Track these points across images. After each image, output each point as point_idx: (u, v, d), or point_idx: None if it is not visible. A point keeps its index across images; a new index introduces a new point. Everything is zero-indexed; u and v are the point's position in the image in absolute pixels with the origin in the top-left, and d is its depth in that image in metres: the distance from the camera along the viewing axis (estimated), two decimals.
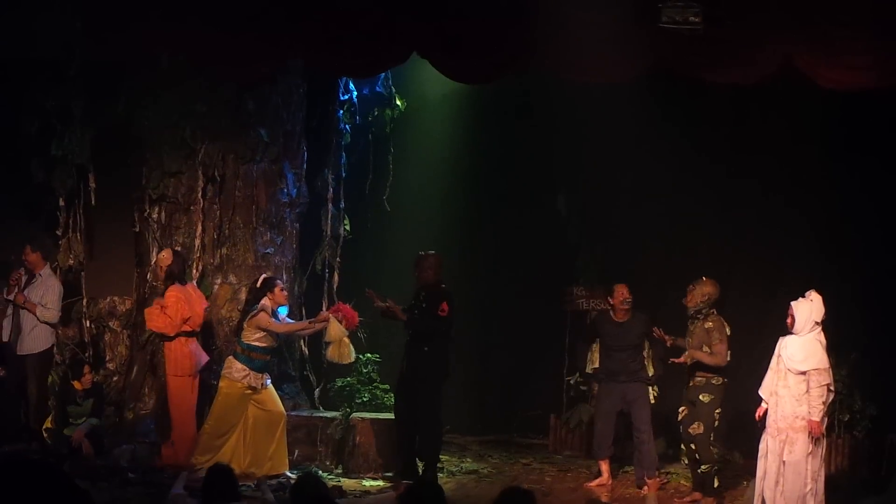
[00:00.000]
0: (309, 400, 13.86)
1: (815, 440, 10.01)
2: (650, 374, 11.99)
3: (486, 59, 11.12)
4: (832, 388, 10.20)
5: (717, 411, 11.14)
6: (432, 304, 11.62)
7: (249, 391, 11.28)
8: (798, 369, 10.04)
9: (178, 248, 12.55)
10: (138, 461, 11.87)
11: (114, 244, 13.37)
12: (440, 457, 12.80)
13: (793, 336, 10.17)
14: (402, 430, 11.84)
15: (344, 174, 14.46)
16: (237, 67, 11.74)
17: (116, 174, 13.23)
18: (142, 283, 13.03)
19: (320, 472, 11.83)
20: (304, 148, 13.86)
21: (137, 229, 13.14)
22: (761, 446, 10.30)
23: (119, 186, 13.25)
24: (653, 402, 11.77)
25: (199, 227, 13.00)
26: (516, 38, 10.76)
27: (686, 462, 11.66)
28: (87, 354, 13.12)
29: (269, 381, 11.46)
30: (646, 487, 11.73)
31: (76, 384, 12.24)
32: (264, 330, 11.13)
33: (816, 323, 10.11)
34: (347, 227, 14.37)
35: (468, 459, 13.30)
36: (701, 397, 11.11)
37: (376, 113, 14.46)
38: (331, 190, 14.27)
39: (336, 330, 11.40)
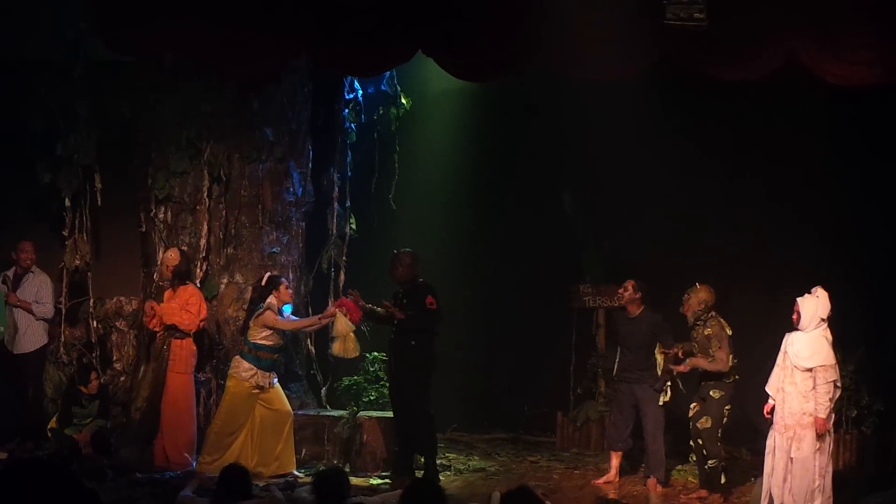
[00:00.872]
0: (316, 399, 13.87)
1: (822, 436, 10.00)
2: (658, 378, 11.87)
3: (490, 56, 11.11)
4: (839, 384, 10.18)
5: (726, 407, 11.17)
6: (414, 299, 11.63)
7: (257, 390, 11.31)
8: (804, 366, 10.02)
9: (184, 248, 12.59)
10: (145, 461, 11.87)
11: (120, 244, 13.41)
12: (447, 454, 12.85)
13: (799, 332, 10.15)
14: (401, 428, 11.87)
15: (349, 173, 14.46)
16: (242, 67, 11.74)
17: (122, 174, 13.26)
18: (148, 283, 13.04)
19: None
20: (310, 147, 13.87)
21: (143, 229, 13.15)
22: (769, 443, 10.28)
23: (125, 186, 13.29)
24: (661, 404, 11.73)
25: (205, 227, 13.00)
26: (521, 36, 10.75)
27: (694, 459, 11.64)
28: (93, 355, 13.14)
29: (275, 380, 11.49)
30: (647, 486, 11.74)
31: (83, 389, 12.28)
32: (271, 328, 11.17)
33: (822, 319, 10.09)
34: (353, 226, 14.37)
35: (475, 457, 13.29)
36: (711, 393, 11.15)
37: (381, 111, 14.47)
38: (336, 189, 14.26)
39: (343, 324, 11.45)
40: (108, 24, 11.49)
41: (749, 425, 12.85)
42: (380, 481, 11.69)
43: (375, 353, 12.96)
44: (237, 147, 13.11)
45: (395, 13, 10.84)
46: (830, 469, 10.17)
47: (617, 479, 11.99)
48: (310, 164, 13.88)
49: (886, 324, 12.92)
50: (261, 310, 11.23)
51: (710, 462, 11.20)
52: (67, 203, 13.10)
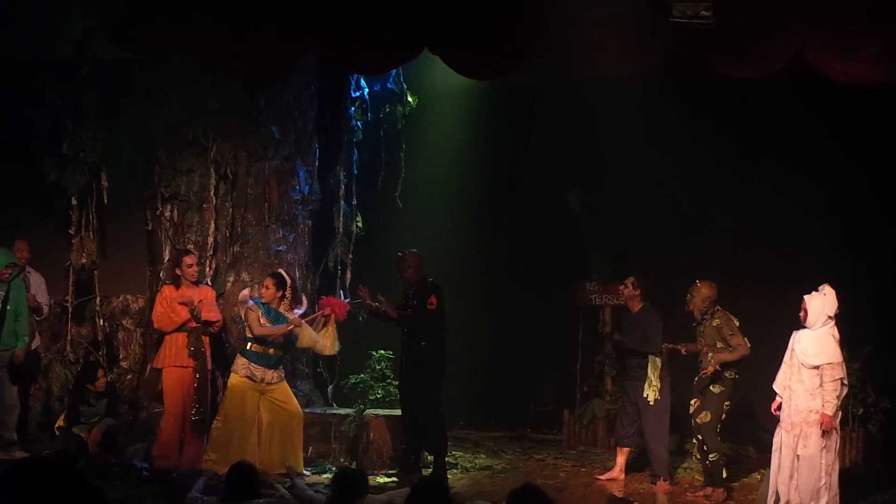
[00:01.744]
0: (322, 397, 13.89)
1: (828, 434, 10.00)
2: (647, 386, 11.83)
3: (497, 54, 11.10)
4: (845, 382, 10.19)
5: (725, 403, 11.20)
6: (422, 300, 11.68)
7: (256, 384, 11.36)
8: (811, 363, 10.03)
9: (190, 246, 12.62)
10: (152, 459, 11.88)
11: (126, 242, 13.42)
12: (454, 453, 12.85)
13: (806, 330, 10.16)
14: (408, 426, 11.89)
15: (356, 171, 14.47)
16: (249, 65, 11.74)
17: (128, 172, 13.27)
18: (154, 282, 13.03)
19: (334, 468, 11.84)
20: (316, 145, 13.87)
21: (150, 227, 13.15)
22: (775, 440, 10.29)
23: (131, 185, 13.30)
24: (651, 403, 11.71)
25: (212, 225, 13.00)
26: (527, 34, 10.74)
27: (698, 457, 11.65)
28: (100, 353, 13.15)
29: (275, 378, 11.51)
30: (655, 486, 11.75)
31: (91, 387, 12.29)
32: (248, 325, 11.37)
33: (829, 317, 10.10)
34: (360, 224, 14.38)
35: (482, 455, 13.30)
36: (711, 388, 11.16)
37: (388, 109, 14.48)
38: (343, 187, 14.28)
39: (307, 338, 11.60)
40: (114, 21, 11.49)
41: (756, 422, 12.87)
42: (386, 479, 11.71)
43: (382, 352, 12.96)
44: (244, 145, 13.11)
45: (402, 11, 10.84)
46: (837, 466, 10.18)
47: (623, 476, 12.00)
48: (316, 163, 13.89)
49: (893, 322, 12.91)
50: (246, 305, 11.43)
51: (711, 456, 11.22)
52: (74, 201, 13.12)
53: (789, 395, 10.19)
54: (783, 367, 10.31)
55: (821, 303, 10.10)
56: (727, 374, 11.16)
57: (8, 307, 12.08)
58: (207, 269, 12.91)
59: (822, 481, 10.03)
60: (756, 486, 11.29)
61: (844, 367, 10.16)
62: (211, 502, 8.26)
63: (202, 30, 11.11)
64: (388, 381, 12.84)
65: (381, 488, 10.97)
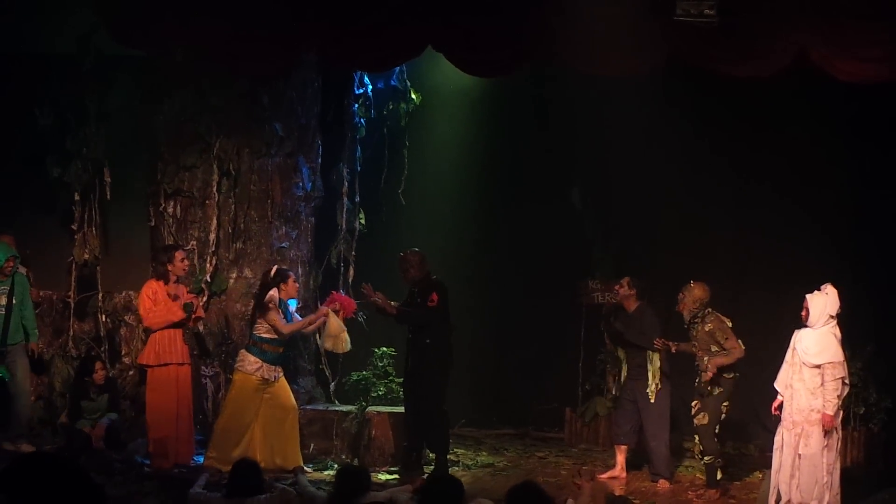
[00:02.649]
0: (324, 394, 13.88)
1: (829, 433, 10.00)
2: (651, 382, 11.82)
3: (500, 52, 11.10)
4: (847, 381, 10.18)
5: (724, 404, 11.20)
6: (425, 297, 11.69)
7: (263, 384, 11.34)
8: (812, 363, 10.03)
9: (193, 243, 12.62)
10: (150, 458, 11.87)
11: (129, 239, 13.43)
12: (456, 450, 12.85)
13: (807, 329, 10.16)
14: (410, 424, 11.89)
15: (359, 168, 14.47)
16: (252, 62, 11.74)
17: (131, 169, 13.28)
18: None
19: (336, 465, 11.86)
20: (319, 142, 13.87)
21: (153, 224, 13.16)
22: (776, 439, 10.29)
23: (134, 181, 13.31)
24: (652, 400, 11.73)
25: (215, 222, 13.02)
26: (530, 32, 10.74)
27: (698, 456, 11.66)
28: (102, 349, 13.15)
29: (278, 375, 11.50)
30: (657, 485, 11.75)
31: (88, 380, 12.29)
32: (271, 326, 11.23)
33: (831, 316, 10.09)
34: (362, 221, 14.38)
35: (484, 453, 13.30)
36: (710, 389, 11.15)
37: (391, 107, 14.47)
38: (346, 184, 14.27)
39: (335, 324, 11.54)
40: (117, 18, 11.50)
41: (757, 421, 12.87)
42: (388, 476, 11.71)
43: (384, 349, 12.94)
44: (247, 142, 13.12)
45: (405, 8, 10.84)
46: (838, 466, 10.19)
47: (624, 474, 12.00)
48: (319, 159, 13.89)
49: (895, 321, 12.91)
50: (265, 305, 11.28)
51: (706, 459, 11.25)
52: (77, 197, 13.11)
53: (791, 395, 10.19)
54: (784, 366, 10.31)
55: (822, 302, 10.10)
56: (725, 376, 11.17)
57: (14, 301, 12.13)
58: (209, 265, 12.93)
59: (824, 480, 10.03)
60: (757, 486, 11.28)
61: (846, 366, 10.15)
62: (214, 498, 8.28)
63: (205, 27, 11.12)
64: (391, 378, 12.83)
65: (383, 485, 10.97)
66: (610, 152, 13.81)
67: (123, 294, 13.32)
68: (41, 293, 12.90)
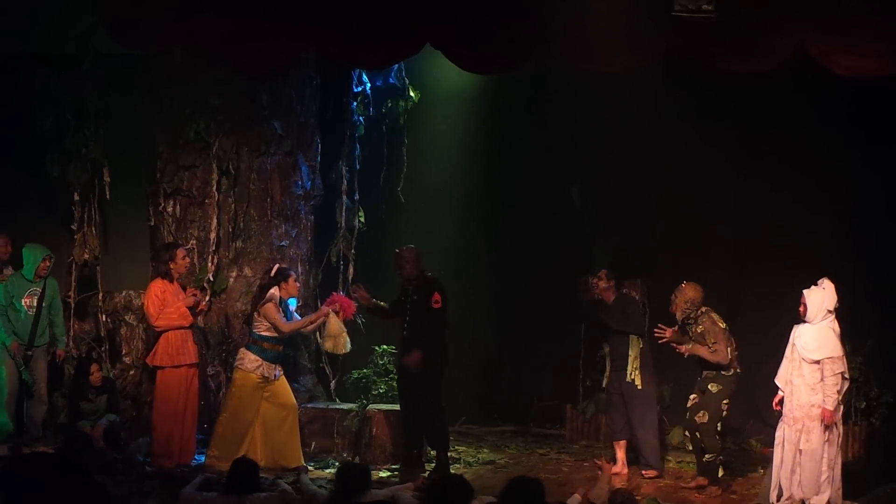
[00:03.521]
0: (325, 392, 13.89)
1: (830, 428, 10.01)
2: (633, 368, 11.81)
3: (498, 49, 11.08)
4: (847, 376, 10.19)
5: (724, 402, 11.14)
6: (423, 296, 11.64)
7: (263, 382, 11.34)
8: (812, 358, 10.03)
9: (193, 242, 12.62)
10: (153, 458, 11.87)
11: (129, 238, 13.44)
12: (457, 447, 12.86)
13: (806, 325, 10.16)
14: (410, 422, 11.88)
15: (358, 166, 14.46)
16: (250, 60, 11.72)
17: (131, 168, 13.29)
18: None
19: (337, 463, 11.87)
20: (318, 140, 13.88)
21: (152, 223, 13.17)
22: (777, 434, 10.30)
23: (133, 180, 13.32)
24: (639, 387, 11.72)
25: (214, 221, 13.03)
26: (529, 29, 10.72)
27: (691, 448, 11.65)
28: (102, 349, 13.15)
29: (279, 373, 11.50)
30: (644, 474, 11.76)
31: (86, 382, 12.30)
32: (271, 322, 11.23)
33: (829, 311, 10.10)
34: (362, 219, 14.37)
35: (485, 450, 13.30)
36: (710, 387, 11.14)
37: (390, 104, 14.46)
38: (345, 182, 14.26)
39: (335, 325, 11.55)
40: (116, 17, 11.48)
41: (758, 417, 12.87)
42: (389, 474, 11.71)
43: (384, 346, 12.95)
44: (246, 140, 13.13)
45: (403, 5, 10.83)
46: (839, 461, 10.19)
47: (625, 470, 11.99)
48: (318, 158, 13.90)
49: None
50: (264, 301, 11.28)
51: (707, 456, 11.20)
52: (76, 197, 13.11)
53: (791, 390, 10.20)
54: (784, 362, 10.31)
55: (820, 297, 10.10)
56: (724, 372, 11.13)
57: (43, 304, 12.19)
58: (210, 264, 12.93)
59: (825, 475, 10.04)
60: (759, 481, 11.29)
61: (845, 361, 10.16)
62: (208, 498, 8.28)
63: (204, 25, 11.10)
64: (391, 376, 12.83)
65: (384, 483, 10.98)
66: (609, 149, 13.80)
67: (123, 294, 13.32)
68: None
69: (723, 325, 11.18)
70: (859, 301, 11.51)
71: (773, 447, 10.43)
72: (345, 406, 12.98)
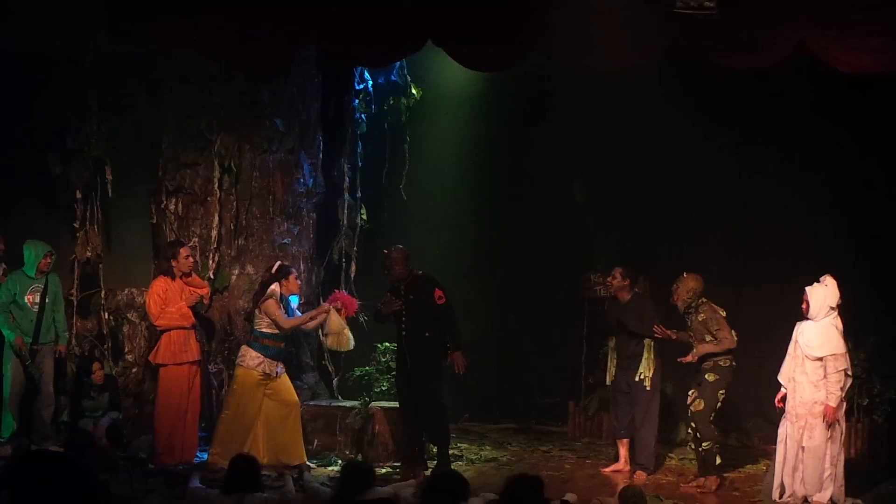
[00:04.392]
0: (328, 389, 13.89)
1: (832, 425, 10.00)
2: (645, 369, 11.81)
3: (500, 46, 11.07)
4: (849, 372, 10.18)
5: (720, 392, 11.13)
6: (419, 295, 11.59)
7: (264, 379, 11.35)
8: (814, 355, 10.03)
9: (195, 240, 12.63)
10: (156, 456, 11.87)
11: (131, 236, 13.44)
12: (459, 445, 12.86)
13: (809, 321, 10.16)
14: (410, 419, 11.87)
15: (360, 163, 14.46)
16: (252, 58, 11.72)
17: (133, 166, 13.28)
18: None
19: (340, 461, 11.88)
20: (320, 138, 13.88)
21: (155, 221, 13.18)
22: (780, 432, 10.30)
23: (136, 178, 13.31)
24: (648, 387, 11.71)
25: (216, 219, 13.03)
26: (530, 26, 10.72)
27: (692, 446, 11.65)
28: (105, 347, 13.16)
29: (280, 370, 11.50)
30: (636, 475, 11.72)
31: (88, 381, 12.31)
32: (271, 319, 11.24)
33: (832, 308, 10.10)
34: (364, 217, 14.37)
35: (487, 447, 13.31)
36: (707, 376, 11.12)
37: (392, 102, 14.46)
38: (347, 179, 14.27)
39: (336, 322, 11.54)
40: (118, 15, 11.47)
41: (761, 414, 12.87)
42: (391, 471, 11.71)
43: (387, 344, 12.94)
44: (248, 138, 13.14)
45: (405, 3, 10.82)
46: (842, 457, 10.18)
47: (628, 467, 11.97)
48: (320, 155, 13.90)
49: None
50: (264, 297, 11.29)
51: (704, 445, 11.18)
52: (78, 195, 13.10)
53: (794, 387, 10.20)
54: (787, 359, 10.31)
55: (822, 294, 10.10)
56: (721, 363, 11.12)
57: (46, 300, 12.21)
58: (211, 262, 12.94)
59: (828, 472, 10.03)
60: (761, 478, 11.27)
61: (848, 357, 10.15)
62: (213, 494, 8.29)
63: (205, 23, 11.09)
64: (394, 373, 12.84)
65: (387, 480, 10.98)
66: (610, 145, 13.81)
67: (126, 291, 13.32)
68: None
69: (723, 313, 11.20)
70: (861, 298, 11.50)
71: (775, 444, 10.42)
72: (347, 403, 12.98)
